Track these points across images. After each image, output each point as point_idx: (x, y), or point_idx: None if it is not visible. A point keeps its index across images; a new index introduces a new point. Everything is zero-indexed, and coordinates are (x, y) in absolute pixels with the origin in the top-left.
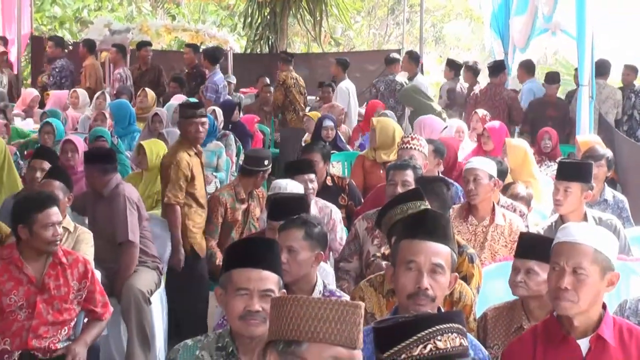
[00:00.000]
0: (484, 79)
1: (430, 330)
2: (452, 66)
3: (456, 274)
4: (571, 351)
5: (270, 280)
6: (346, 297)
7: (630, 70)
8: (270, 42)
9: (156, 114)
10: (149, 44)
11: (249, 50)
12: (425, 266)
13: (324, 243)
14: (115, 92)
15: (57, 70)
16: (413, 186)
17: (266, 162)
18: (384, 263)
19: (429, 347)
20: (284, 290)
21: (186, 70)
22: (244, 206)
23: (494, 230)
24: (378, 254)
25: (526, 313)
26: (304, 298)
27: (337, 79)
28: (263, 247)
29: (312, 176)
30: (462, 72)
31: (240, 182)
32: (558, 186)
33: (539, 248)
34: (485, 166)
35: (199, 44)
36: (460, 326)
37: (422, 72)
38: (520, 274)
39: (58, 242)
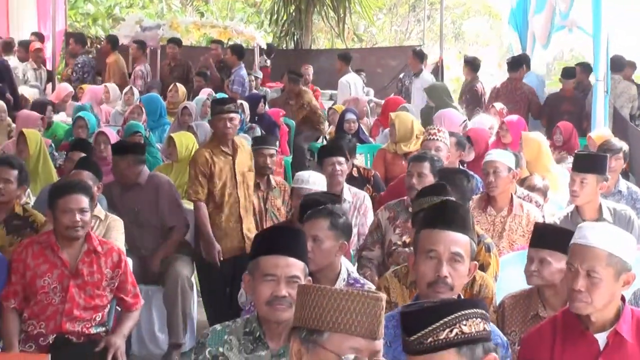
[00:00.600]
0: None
1: (455, 315)
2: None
3: (475, 262)
4: (589, 345)
5: (296, 267)
6: (369, 285)
7: None
8: (295, 38)
9: (185, 107)
10: (178, 40)
11: (276, 45)
12: (445, 255)
13: (348, 233)
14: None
15: (79, 65)
16: (429, 178)
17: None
18: (406, 249)
19: (455, 331)
20: (310, 278)
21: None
22: (260, 192)
23: (512, 221)
24: (399, 243)
25: (542, 301)
26: (327, 289)
27: (340, 73)
28: (290, 236)
29: (342, 159)
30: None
31: None
32: (574, 177)
33: (552, 238)
34: (504, 159)
35: (226, 40)
36: (484, 312)
37: (442, 68)
38: (534, 264)
39: (79, 228)
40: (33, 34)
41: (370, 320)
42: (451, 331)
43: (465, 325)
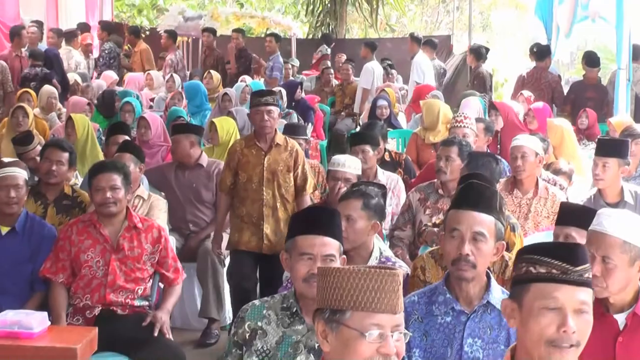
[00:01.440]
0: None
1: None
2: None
3: (503, 242)
4: (608, 325)
5: (331, 246)
6: (400, 263)
7: None
8: (330, 28)
9: (226, 93)
10: (212, 30)
11: (310, 36)
12: (467, 234)
13: (381, 214)
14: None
15: (106, 52)
16: (457, 162)
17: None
18: (435, 229)
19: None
20: (344, 257)
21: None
22: None
23: (537, 203)
24: (429, 223)
25: None
26: (346, 269)
27: (366, 60)
28: (325, 216)
29: (367, 147)
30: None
31: None
32: (597, 161)
33: (576, 216)
34: (532, 144)
35: (265, 30)
36: None
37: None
38: (561, 240)
39: (111, 205)
40: (79, 24)
41: (389, 296)
42: (589, 275)
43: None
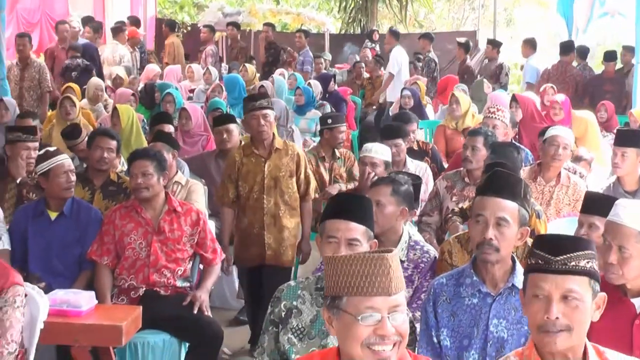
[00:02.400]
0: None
1: (591, 252)
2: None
3: (527, 228)
4: (626, 309)
5: (356, 230)
6: (428, 247)
7: None
8: (362, 24)
9: (262, 85)
10: (236, 24)
11: (343, 31)
12: (491, 219)
13: (409, 200)
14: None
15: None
16: (482, 151)
17: (329, 121)
18: (458, 222)
19: (590, 264)
20: (375, 240)
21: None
22: (326, 164)
23: (560, 190)
24: (456, 209)
25: None
26: (339, 257)
27: (389, 46)
28: (352, 202)
29: (399, 141)
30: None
31: (320, 143)
32: (616, 151)
33: (600, 205)
34: (569, 135)
35: (299, 25)
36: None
37: None
38: (584, 228)
39: (143, 190)
40: (129, 18)
41: (380, 279)
42: (587, 262)
43: (595, 263)
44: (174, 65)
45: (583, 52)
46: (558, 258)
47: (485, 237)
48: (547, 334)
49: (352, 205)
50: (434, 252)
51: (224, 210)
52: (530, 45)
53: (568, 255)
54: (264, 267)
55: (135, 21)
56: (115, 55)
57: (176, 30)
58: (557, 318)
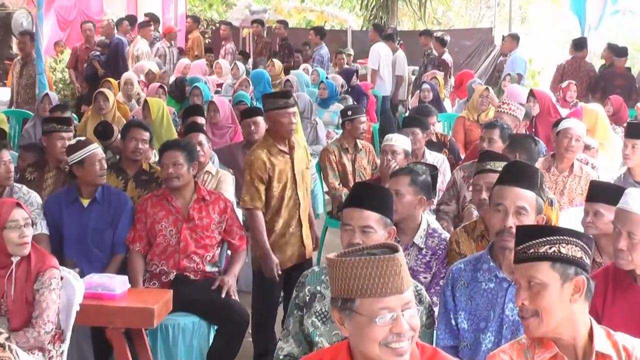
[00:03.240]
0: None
1: (557, 237)
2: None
3: (543, 216)
4: (636, 295)
5: (370, 218)
6: (445, 234)
7: None
8: (382, 21)
9: (288, 80)
10: (260, 21)
11: (364, 28)
12: (511, 208)
13: (427, 190)
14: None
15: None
16: (498, 143)
17: (349, 113)
18: (473, 210)
19: (553, 249)
20: (394, 228)
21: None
22: (349, 155)
23: (572, 180)
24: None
25: (598, 249)
26: (348, 260)
27: (372, 43)
28: (368, 191)
29: (416, 130)
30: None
31: (343, 135)
32: (626, 143)
33: (605, 193)
34: (582, 128)
35: (323, 23)
36: (586, 246)
37: None
38: (590, 216)
39: (173, 179)
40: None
41: (392, 280)
42: (550, 248)
43: (564, 247)
44: (198, 60)
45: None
46: (519, 247)
47: (506, 225)
48: (522, 319)
49: (367, 194)
50: (444, 235)
51: (256, 213)
52: (513, 39)
53: (527, 243)
54: (301, 265)
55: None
56: (137, 50)
57: (198, 25)
58: (522, 304)
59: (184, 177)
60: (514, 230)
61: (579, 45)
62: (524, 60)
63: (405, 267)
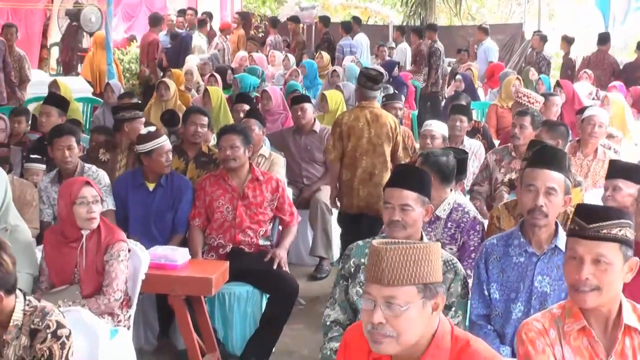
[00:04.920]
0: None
1: (624, 220)
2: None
3: (570, 196)
4: None
5: (408, 197)
6: (469, 209)
7: None
8: (421, 17)
9: (335, 70)
10: (295, 18)
11: (404, 23)
12: (542, 188)
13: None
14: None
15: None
16: (529, 129)
17: (385, 99)
18: (504, 192)
19: (622, 232)
20: (431, 205)
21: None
22: None
23: (596, 164)
24: (505, 180)
25: None
26: (369, 245)
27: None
28: (406, 172)
29: (460, 117)
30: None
31: None
32: None
33: (622, 169)
34: (605, 116)
35: (366, 19)
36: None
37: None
38: (609, 190)
39: (231, 161)
40: (204, 13)
41: (375, 269)
42: (620, 230)
43: (629, 231)
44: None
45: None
46: (591, 226)
47: (537, 204)
48: (577, 292)
49: (405, 175)
50: (474, 213)
51: (330, 164)
52: (483, 31)
53: (600, 223)
54: (364, 215)
55: (210, 15)
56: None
57: (244, 21)
58: (587, 279)
59: (240, 158)
60: (544, 209)
61: (603, 39)
62: (492, 50)
63: (401, 261)
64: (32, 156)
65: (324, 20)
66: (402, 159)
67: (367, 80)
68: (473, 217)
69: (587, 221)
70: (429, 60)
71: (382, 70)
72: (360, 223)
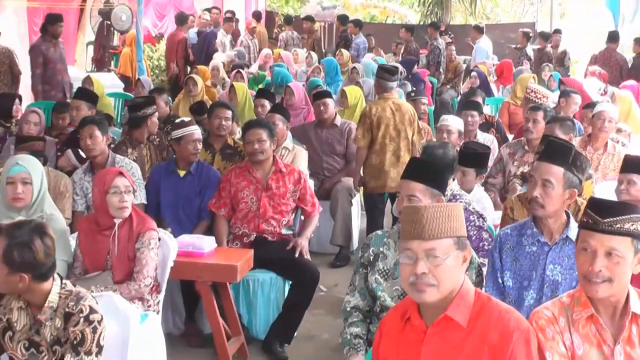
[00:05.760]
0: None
1: (636, 215)
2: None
3: (574, 189)
4: None
5: (416, 189)
6: (464, 198)
7: None
8: (437, 16)
9: (354, 67)
10: (310, 18)
11: (422, 22)
12: (538, 180)
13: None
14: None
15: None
16: (541, 124)
17: (412, 95)
18: (517, 184)
19: (634, 226)
20: (441, 197)
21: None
22: None
23: (606, 158)
24: (518, 173)
25: None
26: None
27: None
28: (417, 165)
29: (473, 112)
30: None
31: None
32: None
33: (637, 164)
34: (614, 111)
35: (385, 18)
36: None
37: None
38: (623, 184)
39: (258, 154)
40: (227, 12)
41: (415, 226)
42: (632, 225)
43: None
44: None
45: None
46: (605, 220)
47: (532, 195)
48: (590, 282)
49: (414, 168)
50: (467, 200)
51: (358, 150)
52: (478, 30)
53: (614, 218)
54: (391, 195)
55: (258, 15)
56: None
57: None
58: (600, 270)
59: (267, 151)
60: (539, 199)
61: (612, 37)
62: (484, 50)
63: (437, 218)
64: None
65: (342, 19)
66: (417, 142)
67: (385, 72)
68: (464, 209)
69: (601, 215)
70: (428, 58)
71: (397, 65)
72: (385, 201)
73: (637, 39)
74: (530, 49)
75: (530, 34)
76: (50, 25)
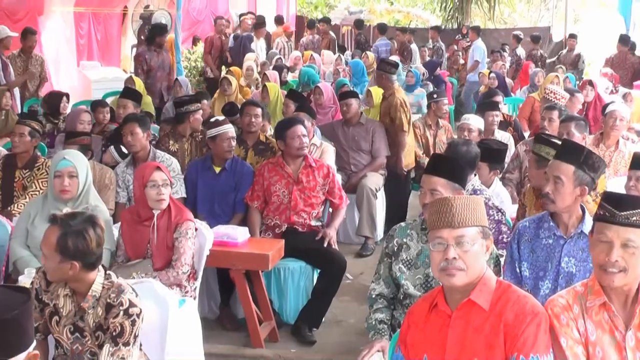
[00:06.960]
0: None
1: None
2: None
3: (585, 187)
4: None
5: (437, 183)
6: (485, 193)
7: None
8: (458, 21)
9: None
10: (327, 19)
11: (443, 26)
12: (551, 177)
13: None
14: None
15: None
16: (556, 122)
17: (435, 96)
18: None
19: None
20: (462, 190)
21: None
22: (431, 131)
23: (618, 155)
24: None
25: None
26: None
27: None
28: (439, 161)
29: (496, 112)
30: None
31: (428, 114)
32: None
33: None
34: (626, 110)
35: (408, 22)
36: None
37: (565, 44)
38: (632, 181)
39: (305, 148)
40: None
41: (444, 216)
42: None
43: None
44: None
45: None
46: (622, 213)
47: (544, 191)
48: (605, 272)
49: (438, 163)
50: (487, 194)
51: (398, 133)
52: (475, 31)
53: (631, 211)
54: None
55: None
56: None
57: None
58: (616, 261)
59: (308, 147)
60: (550, 195)
61: (625, 40)
62: (481, 50)
63: (465, 208)
64: None
65: (357, 23)
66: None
67: (393, 67)
68: (485, 204)
69: (618, 208)
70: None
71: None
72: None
73: None
74: (521, 50)
75: (521, 36)
76: (159, 36)
